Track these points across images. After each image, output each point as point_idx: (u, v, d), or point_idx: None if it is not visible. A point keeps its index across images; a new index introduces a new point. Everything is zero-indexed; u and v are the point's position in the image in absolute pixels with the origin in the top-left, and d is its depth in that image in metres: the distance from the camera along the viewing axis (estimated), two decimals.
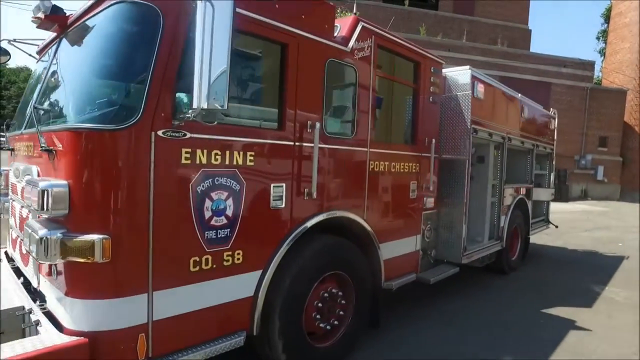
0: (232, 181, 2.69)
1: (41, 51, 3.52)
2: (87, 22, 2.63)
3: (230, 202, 2.68)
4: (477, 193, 6.15)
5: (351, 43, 3.48)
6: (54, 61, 2.90)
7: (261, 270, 2.91)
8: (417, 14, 23.57)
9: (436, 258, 5.48)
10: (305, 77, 3.11)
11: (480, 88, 5.48)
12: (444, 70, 5.46)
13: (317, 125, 3.12)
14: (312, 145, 3.13)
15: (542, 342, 4.26)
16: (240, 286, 2.80)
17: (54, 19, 2.82)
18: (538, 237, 9.66)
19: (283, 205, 3.02)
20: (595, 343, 4.34)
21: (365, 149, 3.72)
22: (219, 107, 2.20)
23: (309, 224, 3.19)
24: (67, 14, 2.85)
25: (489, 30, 24.39)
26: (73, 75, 2.63)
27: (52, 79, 2.80)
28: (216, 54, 2.15)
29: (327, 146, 3.32)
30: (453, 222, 5.39)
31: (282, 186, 3.00)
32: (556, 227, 9.07)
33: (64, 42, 2.89)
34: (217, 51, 2.15)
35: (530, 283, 6.56)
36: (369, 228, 3.77)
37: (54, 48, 3.03)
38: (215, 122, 2.44)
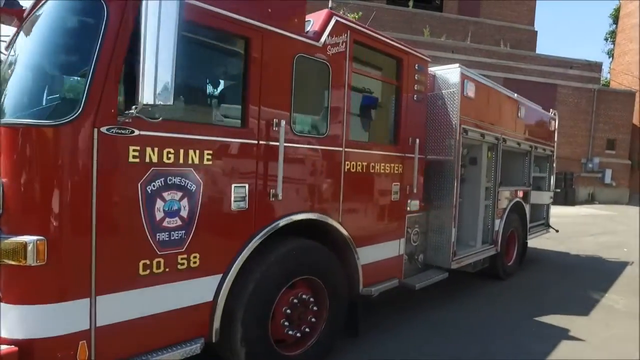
0: (188, 181, 2.56)
1: (7, 46, 3.44)
2: (36, 14, 2.54)
3: (185, 202, 2.56)
4: (469, 196, 5.97)
5: (323, 38, 3.35)
6: (10, 55, 2.81)
7: (221, 275, 2.78)
8: (421, 15, 23.41)
9: (425, 263, 5.32)
10: (271, 73, 2.98)
11: (470, 87, 5.30)
12: (433, 69, 5.31)
13: (283, 123, 2.99)
14: (277, 144, 2.99)
15: (532, 354, 4.06)
16: (198, 291, 2.66)
17: (8, 11, 2.74)
18: (539, 242, 9.41)
19: (246, 207, 2.88)
20: (588, 353, 4.13)
21: (340, 149, 3.57)
22: (164, 104, 2.09)
23: (275, 226, 3.05)
24: (22, 7, 2.76)
25: (494, 31, 24.12)
26: (19, 69, 2.53)
27: (5, 73, 2.71)
28: (162, 49, 2.05)
29: (295, 145, 3.18)
30: (442, 225, 5.21)
31: (244, 187, 2.87)
32: (556, 231, 8.81)
33: (20, 35, 2.80)
34: (163, 45, 2.05)
35: (525, 289, 6.34)
36: (344, 231, 3.62)
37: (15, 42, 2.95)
38: (160, 119, 2.32)
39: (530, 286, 6.53)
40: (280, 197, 3.02)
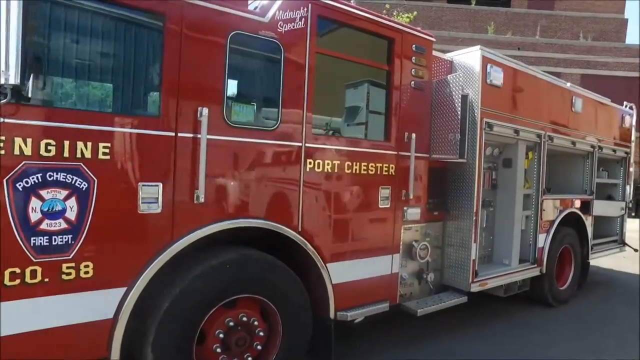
0: (75, 177, 2.20)
1: None
2: None
3: (72, 202, 2.19)
4: (503, 205, 4.99)
5: (271, 12, 2.84)
6: None
7: (125, 288, 2.37)
8: (484, 13, 21.72)
9: (442, 284, 4.48)
10: (194, 53, 2.54)
11: (496, 73, 4.41)
12: (450, 55, 4.53)
13: (206, 112, 2.52)
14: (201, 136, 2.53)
15: None
16: (92, 306, 2.27)
17: None
18: (615, 261, 7.81)
19: (159, 210, 2.45)
20: None
21: (299, 144, 3.01)
22: (7, 82, 1.75)
23: (200, 234, 2.58)
24: None
25: (572, 24, 21.54)
26: None
27: None
28: (4, 21, 1.72)
29: (230, 139, 2.69)
30: (460, 239, 4.35)
31: (157, 186, 2.44)
32: (635, 250, 7.18)
33: None
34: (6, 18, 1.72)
35: (580, 320, 5.11)
36: (305, 243, 3.03)
37: None
38: (4, 101, 1.98)
39: (589, 316, 5.27)
40: (202, 200, 2.54)
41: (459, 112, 3.65)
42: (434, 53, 4.50)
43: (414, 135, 3.60)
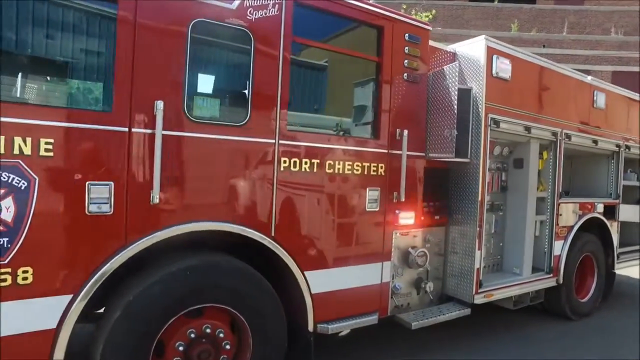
0: (12, 176, 2.04)
1: None
2: None
3: (8, 203, 2.03)
4: (514, 209, 4.60)
5: (238, 0, 2.62)
6: None
7: (71, 296, 2.19)
8: (508, 10, 20.94)
9: (445, 294, 4.13)
10: (149, 43, 2.35)
11: (503, 65, 4.05)
12: (453, 46, 4.20)
13: (161, 105, 2.32)
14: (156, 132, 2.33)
15: None
16: (30, 316, 2.10)
17: None
18: None
19: (110, 211, 2.26)
20: None
21: (272, 141, 2.77)
22: None
23: (156, 237, 2.37)
24: None
25: (603, 19, 20.44)
26: None
27: None
28: None
29: (191, 135, 2.48)
30: (463, 246, 4.00)
31: (107, 186, 2.26)
32: None
33: None
34: None
35: (602, 335, 4.63)
36: (280, 249, 2.79)
37: None
38: None
39: (614, 330, 4.78)
40: (157, 201, 2.34)
41: (455, 106, 3.32)
42: (436, 45, 4.20)
43: (405, 132, 3.30)
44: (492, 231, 4.57)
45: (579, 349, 4.22)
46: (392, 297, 3.57)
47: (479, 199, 3.91)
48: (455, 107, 3.29)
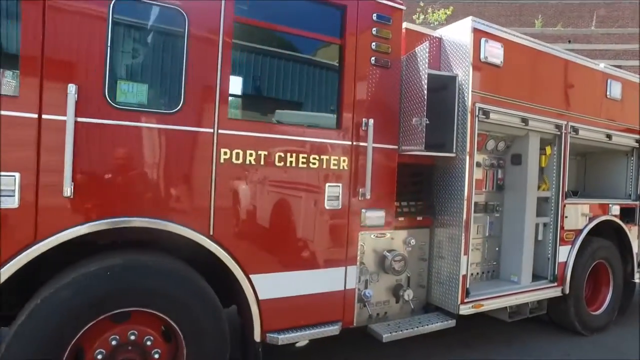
0: None
1: None
2: None
3: None
4: (510, 209, 4.16)
5: None
6: None
7: None
8: (531, 6, 20.06)
9: (431, 303, 3.75)
10: (62, 22, 2.14)
11: (494, 49, 3.66)
12: (439, 31, 3.84)
13: (73, 89, 2.11)
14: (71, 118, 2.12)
15: None
16: None
17: None
18: None
19: (15, 205, 2.06)
20: None
21: (210, 130, 2.50)
22: None
23: (70, 234, 2.15)
24: None
25: (634, 11, 19.23)
26: None
27: None
28: None
29: (113, 122, 2.25)
30: (449, 250, 3.61)
31: (12, 177, 2.05)
32: None
33: None
34: None
35: (618, 354, 4.09)
36: (220, 249, 2.51)
37: None
38: None
39: (631, 348, 4.22)
40: (69, 194, 2.12)
41: (425, 91, 2.95)
42: (422, 30, 3.85)
43: (371, 121, 2.97)
44: (487, 234, 4.14)
45: None
46: (364, 306, 3.23)
47: (465, 197, 3.51)
48: (425, 91, 2.93)
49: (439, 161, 3.74)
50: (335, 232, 2.95)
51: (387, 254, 3.38)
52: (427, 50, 2.97)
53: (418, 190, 3.75)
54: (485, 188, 4.15)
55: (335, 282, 2.97)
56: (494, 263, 4.20)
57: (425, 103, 2.93)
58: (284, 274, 2.76)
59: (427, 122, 2.93)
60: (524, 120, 3.90)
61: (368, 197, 2.99)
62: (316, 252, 2.88)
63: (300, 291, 2.82)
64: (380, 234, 3.37)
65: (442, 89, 3.63)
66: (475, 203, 4.03)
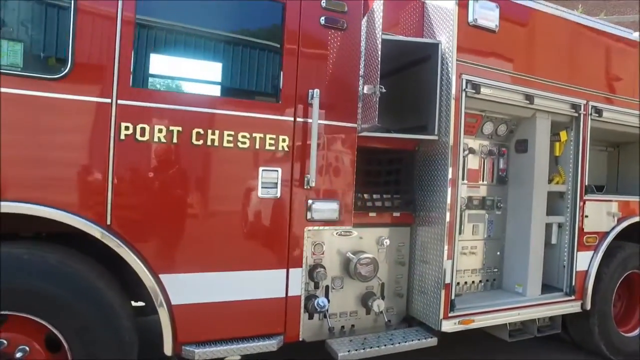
0: None
1: None
2: None
3: None
4: (515, 206, 3.48)
5: None
6: None
7: None
8: None
9: (411, 315, 3.15)
10: None
11: (485, 10, 3.04)
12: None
13: None
14: None
15: None
16: None
17: None
18: None
19: None
20: None
21: (107, 100, 2.09)
22: None
23: None
24: None
25: None
26: None
27: None
28: None
29: None
30: (431, 253, 3.00)
31: None
32: None
33: None
34: None
35: None
36: (117, 241, 2.08)
37: None
38: None
39: None
40: None
41: (379, 52, 2.39)
42: None
43: (317, 91, 2.44)
44: (486, 235, 3.48)
45: None
46: (323, 317, 2.70)
47: (449, 189, 2.89)
48: (379, 53, 2.37)
49: (422, 146, 3.15)
50: (273, 226, 2.44)
51: (352, 255, 2.83)
52: (382, 5, 2.42)
53: (395, 181, 3.18)
54: (483, 180, 3.49)
55: (273, 287, 2.45)
56: (495, 270, 3.52)
57: (379, 67, 2.37)
58: (205, 274, 2.28)
59: (383, 90, 2.37)
60: (528, 98, 3.22)
61: (313, 184, 2.46)
62: (248, 249, 2.38)
63: (227, 297, 2.33)
64: (345, 232, 2.84)
65: (425, 60, 3.07)
66: (470, 198, 3.41)
